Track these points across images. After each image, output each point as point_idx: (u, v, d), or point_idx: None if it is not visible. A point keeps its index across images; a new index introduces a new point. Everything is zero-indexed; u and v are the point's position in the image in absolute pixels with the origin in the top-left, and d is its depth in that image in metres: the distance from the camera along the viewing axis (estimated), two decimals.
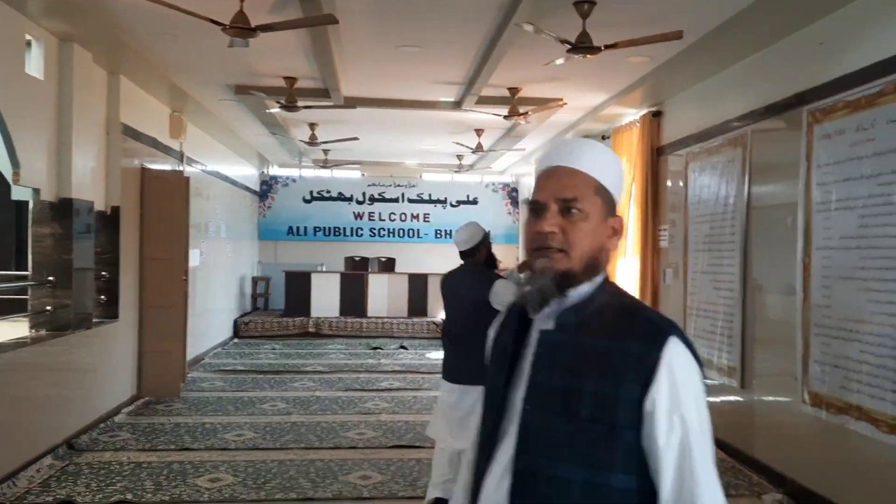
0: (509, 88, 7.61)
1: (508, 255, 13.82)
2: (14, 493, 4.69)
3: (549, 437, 1.29)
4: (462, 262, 4.43)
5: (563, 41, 5.03)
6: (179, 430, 6.32)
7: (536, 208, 1.38)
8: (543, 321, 1.38)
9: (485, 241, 4.38)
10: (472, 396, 4.00)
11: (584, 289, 1.37)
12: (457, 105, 8.40)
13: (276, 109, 7.88)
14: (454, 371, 4.28)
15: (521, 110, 7.70)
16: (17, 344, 5.35)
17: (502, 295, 4.00)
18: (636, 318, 1.33)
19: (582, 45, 5.07)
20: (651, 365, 1.24)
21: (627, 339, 1.28)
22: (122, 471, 5.19)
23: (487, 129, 10.08)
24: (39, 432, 5.42)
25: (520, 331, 1.42)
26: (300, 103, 7.56)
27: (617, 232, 1.41)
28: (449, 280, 4.54)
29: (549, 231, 1.35)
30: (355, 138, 10.54)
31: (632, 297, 1.44)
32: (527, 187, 14.86)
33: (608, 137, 9.05)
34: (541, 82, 7.35)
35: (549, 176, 1.40)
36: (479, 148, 10.85)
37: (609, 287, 1.41)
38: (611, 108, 8.22)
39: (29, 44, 5.46)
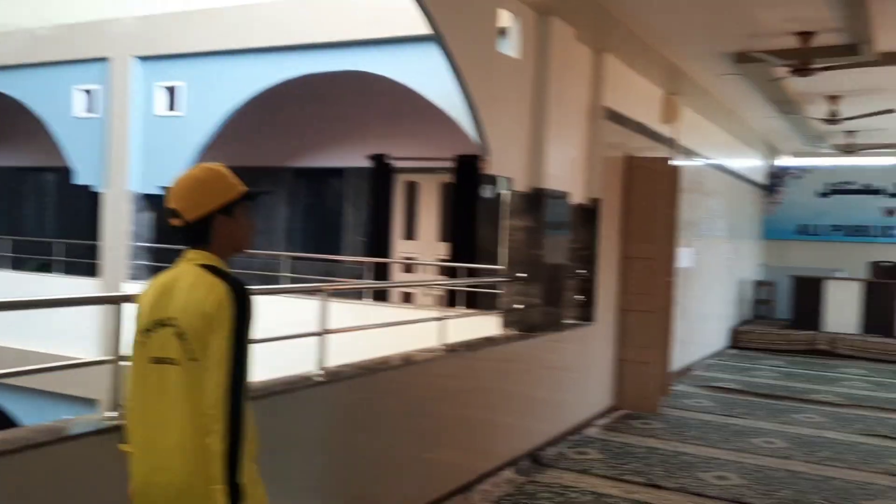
0: None
1: None
2: None
3: None
4: None
5: None
6: (652, 459, 5.40)
7: None
8: None
9: None
10: None
11: None
12: None
13: (784, 75, 6.44)
14: None
15: None
16: (489, 341, 5.05)
17: None
18: None
19: None
20: None
21: None
22: (579, 501, 4.48)
23: None
24: (503, 439, 5.04)
25: None
26: (817, 64, 5.98)
27: None
28: None
29: None
30: (890, 111, 8.29)
31: None
32: None
33: None
34: None
35: None
36: None
37: None
38: None
39: (503, 19, 5.07)
